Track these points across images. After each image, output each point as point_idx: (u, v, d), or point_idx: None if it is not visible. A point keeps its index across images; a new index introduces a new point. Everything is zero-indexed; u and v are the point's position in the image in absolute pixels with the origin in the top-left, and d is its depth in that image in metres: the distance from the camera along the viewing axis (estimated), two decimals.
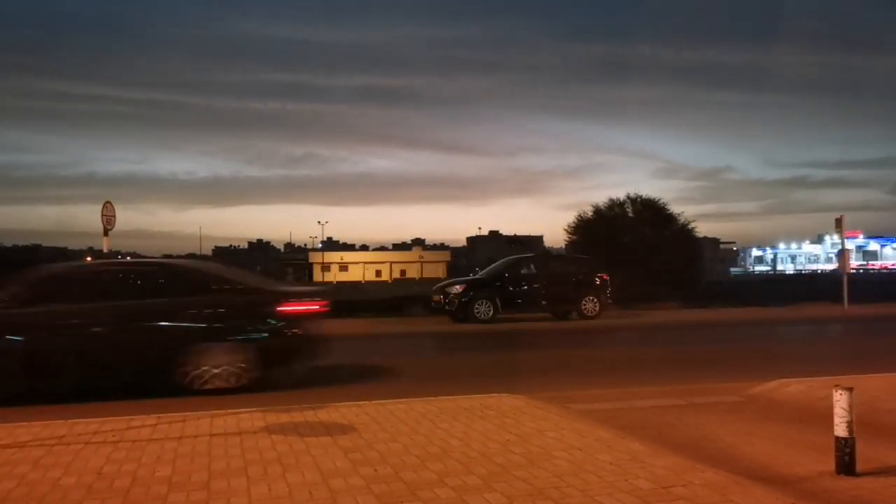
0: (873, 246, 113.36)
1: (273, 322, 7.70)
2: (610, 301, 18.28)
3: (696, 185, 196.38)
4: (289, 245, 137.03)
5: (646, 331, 15.69)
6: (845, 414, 4.00)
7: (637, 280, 22.22)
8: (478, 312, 16.53)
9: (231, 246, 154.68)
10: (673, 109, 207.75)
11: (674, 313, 19.36)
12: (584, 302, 17.42)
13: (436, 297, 17.41)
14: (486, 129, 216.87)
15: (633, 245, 24.61)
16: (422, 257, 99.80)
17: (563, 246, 28.52)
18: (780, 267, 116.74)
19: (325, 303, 8.15)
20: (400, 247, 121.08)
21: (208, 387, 7.18)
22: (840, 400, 4.03)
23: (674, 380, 7.80)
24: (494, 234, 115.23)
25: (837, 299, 19.51)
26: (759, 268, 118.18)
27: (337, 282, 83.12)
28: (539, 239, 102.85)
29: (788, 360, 10.11)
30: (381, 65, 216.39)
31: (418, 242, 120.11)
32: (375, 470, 4.02)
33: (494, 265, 19.78)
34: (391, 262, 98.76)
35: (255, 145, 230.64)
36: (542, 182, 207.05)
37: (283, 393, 7.16)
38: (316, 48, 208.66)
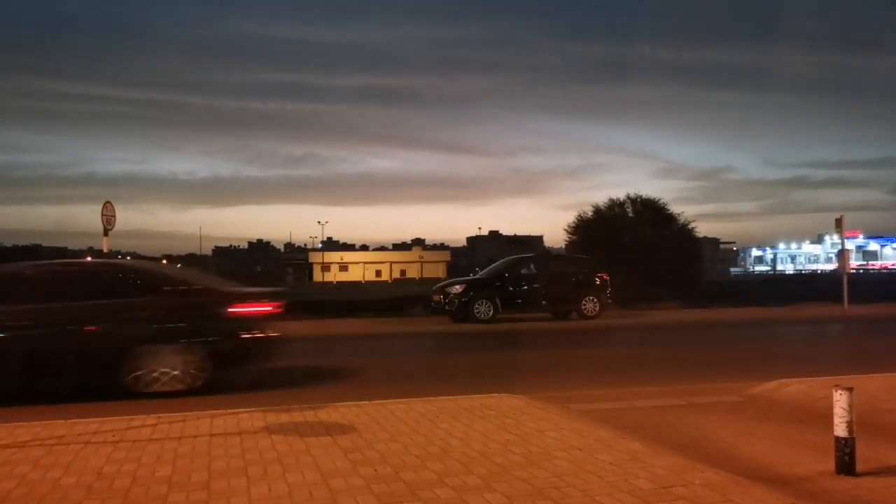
0: (873, 246, 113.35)
1: (224, 323, 7.54)
2: (610, 301, 18.28)
3: (696, 185, 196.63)
4: (289, 245, 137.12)
5: (646, 331, 15.70)
6: (845, 414, 4.00)
7: (637, 280, 22.23)
8: (478, 312, 16.53)
9: (231, 246, 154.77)
10: (673, 109, 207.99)
11: (674, 313, 19.36)
12: (584, 302, 17.43)
13: (436, 297, 17.42)
14: (486, 129, 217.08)
15: (633, 245, 24.62)
16: (422, 257, 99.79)
17: (563, 246, 28.54)
18: (780, 267, 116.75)
19: (280, 304, 8.00)
20: (400, 247, 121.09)
21: (157, 389, 7.06)
22: (840, 400, 4.03)
23: (674, 380, 7.80)
24: (494, 234, 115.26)
25: (837, 299, 19.51)
26: (759, 268, 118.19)
27: (337, 282, 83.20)
28: (539, 239, 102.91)
29: (788, 360, 10.11)
30: (381, 65, 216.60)
31: (418, 242, 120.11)
32: (375, 470, 4.02)
33: (494, 265, 19.78)
34: (391, 262, 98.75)
35: (255, 145, 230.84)
36: (542, 182, 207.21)
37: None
38: (316, 48, 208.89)
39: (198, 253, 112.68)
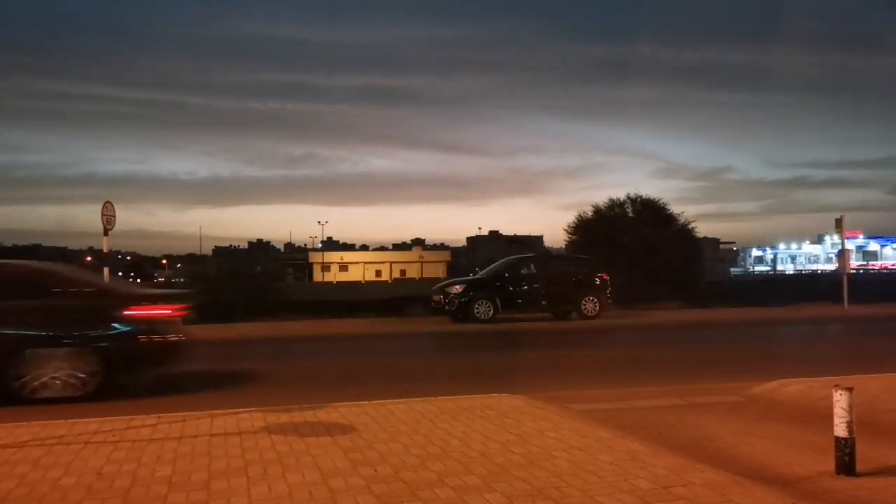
0: (873, 246, 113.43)
1: (120, 327, 7.25)
2: (610, 301, 18.28)
3: (696, 186, 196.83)
4: (289, 245, 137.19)
5: (646, 331, 15.70)
6: (845, 414, 4.00)
7: (637, 280, 22.22)
8: (478, 312, 16.53)
9: (231, 246, 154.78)
10: (673, 109, 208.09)
11: (674, 313, 19.36)
12: (584, 302, 17.42)
13: (436, 297, 17.42)
14: (486, 129, 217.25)
15: (633, 245, 24.61)
16: (422, 257, 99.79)
17: (563, 246, 28.52)
18: (780, 267, 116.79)
19: (183, 306, 7.77)
20: (400, 247, 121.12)
21: (45, 395, 6.81)
22: (840, 400, 4.03)
23: (674, 380, 7.80)
24: (494, 234, 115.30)
25: (837, 299, 19.51)
26: (759, 268, 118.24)
27: (337, 282, 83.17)
28: (539, 239, 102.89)
29: (788, 360, 10.11)
30: (381, 65, 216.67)
31: (418, 242, 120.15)
32: (375, 470, 4.02)
33: (494, 265, 19.78)
34: (391, 262, 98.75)
35: (255, 145, 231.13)
36: (542, 182, 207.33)
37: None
38: (316, 48, 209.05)
39: (198, 253, 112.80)
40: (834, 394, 4.08)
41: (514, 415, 5.50)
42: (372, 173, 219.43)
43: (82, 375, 6.96)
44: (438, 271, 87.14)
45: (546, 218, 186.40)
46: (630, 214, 26.46)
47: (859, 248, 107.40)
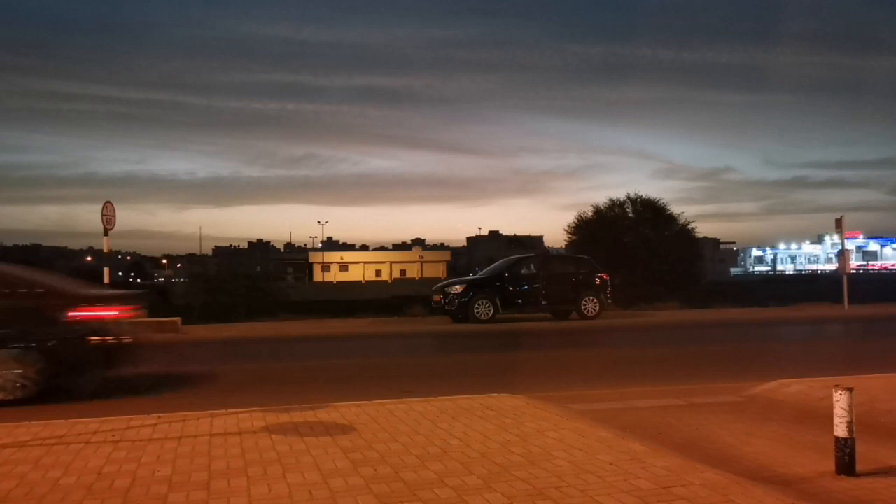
0: (873, 246, 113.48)
1: (64, 328, 7.05)
2: (610, 301, 18.29)
3: (697, 186, 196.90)
4: (289, 245, 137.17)
5: (645, 331, 15.69)
6: (845, 414, 4.00)
7: (637, 280, 22.25)
8: (478, 312, 16.54)
9: (231, 246, 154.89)
10: (673, 109, 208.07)
11: (674, 313, 19.36)
12: (583, 302, 17.43)
13: (436, 297, 17.42)
14: (486, 129, 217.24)
15: (633, 245, 24.64)
16: (422, 257, 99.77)
17: (563, 246, 28.53)
18: (780, 267, 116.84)
19: (131, 308, 7.64)
20: (400, 247, 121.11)
21: None
22: (840, 400, 4.03)
23: (674, 380, 7.81)
24: (494, 235, 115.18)
25: (837, 299, 19.52)
26: (759, 268, 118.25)
27: (337, 282, 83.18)
28: (539, 239, 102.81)
29: (788, 360, 10.11)
30: (381, 65, 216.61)
31: (418, 242, 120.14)
32: (375, 470, 4.02)
33: (494, 265, 19.79)
34: (391, 262, 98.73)
35: (255, 145, 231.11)
36: (542, 182, 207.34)
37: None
38: (316, 48, 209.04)
39: (198, 253, 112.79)
40: (834, 394, 4.08)
41: (514, 415, 5.50)
42: (372, 173, 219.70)
43: (21, 378, 6.77)
44: (438, 271, 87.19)
45: (546, 218, 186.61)
46: (630, 215, 26.47)
47: (859, 248, 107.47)
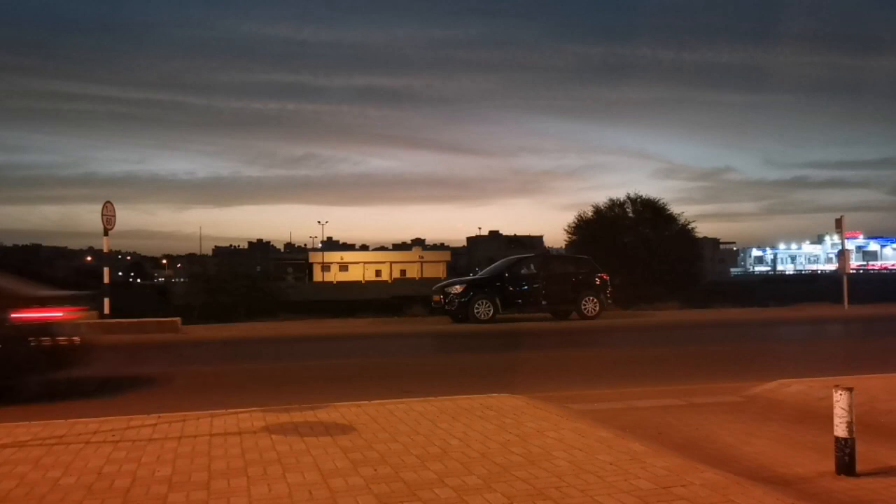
0: (873, 246, 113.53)
1: (7, 329, 6.88)
2: (610, 301, 18.29)
3: (697, 186, 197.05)
4: (289, 245, 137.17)
5: (645, 331, 15.69)
6: (845, 414, 4.00)
7: (637, 280, 22.27)
8: (478, 312, 16.54)
9: (231, 246, 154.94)
10: (673, 109, 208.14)
11: (674, 313, 19.36)
12: (583, 302, 17.43)
13: (436, 297, 17.43)
14: (486, 129, 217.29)
15: (633, 245, 24.66)
16: (422, 257, 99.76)
17: (563, 246, 28.54)
18: (780, 267, 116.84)
19: (78, 309, 7.51)
20: (400, 247, 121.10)
21: None
22: (840, 400, 4.03)
23: (674, 380, 7.81)
24: (494, 234, 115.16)
25: (837, 299, 19.53)
26: (759, 268, 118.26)
27: (337, 281, 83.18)
28: (539, 239, 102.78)
29: (788, 360, 10.12)
30: (381, 65, 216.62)
31: (418, 242, 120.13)
32: (375, 470, 4.02)
33: (494, 265, 19.80)
34: (391, 262, 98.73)
35: (255, 145, 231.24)
36: (542, 182, 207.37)
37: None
38: (316, 48, 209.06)
39: (198, 253, 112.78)
40: (834, 394, 4.08)
41: (514, 415, 5.50)
42: (372, 173, 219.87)
43: None
44: (438, 271, 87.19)
45: (546, 218, 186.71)
46: (630, 215, 26.49)
47: (859, 248, 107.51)
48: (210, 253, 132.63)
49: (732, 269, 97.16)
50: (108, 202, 16.21)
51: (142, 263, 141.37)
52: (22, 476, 4.01)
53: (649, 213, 26.12)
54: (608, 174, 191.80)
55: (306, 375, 9.18)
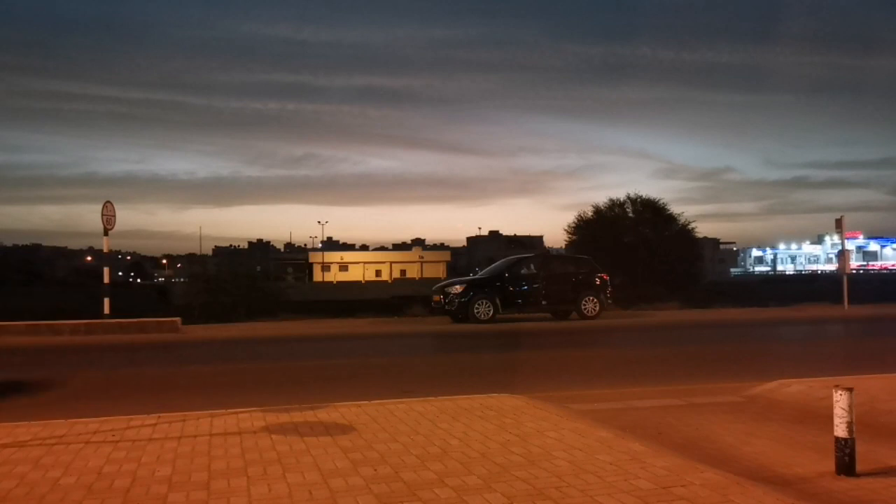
0: (873, 246, 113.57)
1: None
2: (610, 301, 18.30)
3: (697, 186, 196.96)
4: (289, 245, 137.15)
5: (645, 331, 15.70)
6: (845, 414, 4.00)
7: (637, 280, 22.29)
8: (478, 312, 16.54)
9: (231, 246, 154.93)
10: (673, 109, 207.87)
11: (674, 313, 19.37)
12: (584, 302, 17.44)
13: (436, 297, 17.43)
14: (486, 129, 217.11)
15: (633, 245, 24.70)
16: (422, 257, 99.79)
17: (563, 246, 28.56)
18: (780, 267, 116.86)
19: None
20: (400, 247, 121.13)
21: None
22: (840, 400, 4.03)
23: (673, 380, 7.81)
24: (494, 234, 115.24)
25: (837, 300, 19.54)
26: (759, 268, 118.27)
27: (337, 281, 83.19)
28: (539, 239, 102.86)
29: (788, 360, 10.12)
30: (381, 65, 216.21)
31: (418, 242, 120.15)
32: (375, 470, 4.02)
33: (494, 265, 19.81)
34: (391, 262, 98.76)
35: (255, 145, 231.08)
36: (542, 182, 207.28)
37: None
38: (316, 48, 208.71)
39: (198, 253, 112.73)
40: (834, 394, 4.08)
41: (513, 415, 5.50)
42: (372, 173, 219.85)
43: None
44: (438, 271, 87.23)
45: (546, 218, 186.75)
46: (630, 215, 26.54)
47: (859, 248, 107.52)
48: (210, 253, 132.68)
49: (732, 270, 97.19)
50: (108, 202, 16.20)
51: (142, 263, 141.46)
52: (22, 476, 4.01)
53: (649, 213, 26.16)
54: (608, 174, 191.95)
55: (306, 375, 9.18)
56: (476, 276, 20.57)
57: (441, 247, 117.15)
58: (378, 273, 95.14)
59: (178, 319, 15.81)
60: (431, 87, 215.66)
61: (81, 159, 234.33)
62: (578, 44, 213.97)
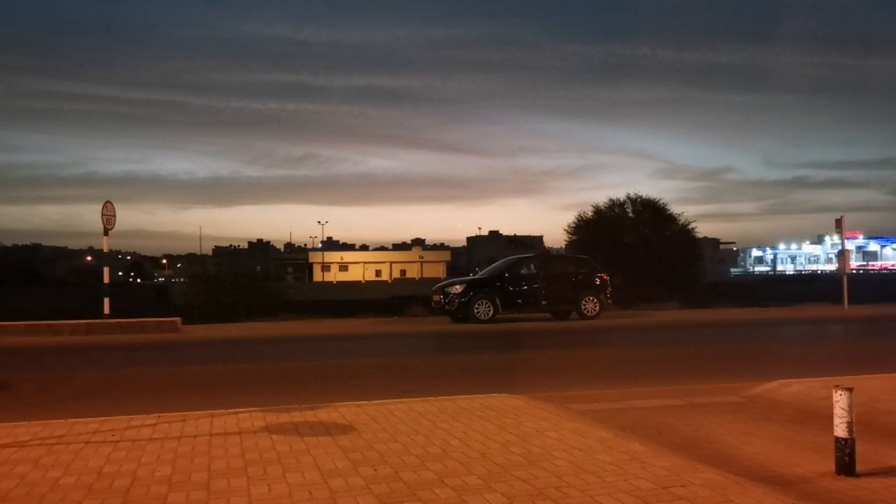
0: (873, 246, 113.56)
1: None
2: (610, 301, 18.30)
3: (697, 186, 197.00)
4: (289, 245, 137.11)
5: (645, 331, 15.70)
6: (845, 414, 4.00)
7: (637, 280, 22.28)
8: (478, 312, 16.54)
9: (231, 246, 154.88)
10: (673, 109, 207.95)
11: (674, 313, 19.36)
12: (584, 302, 17.43)
13: (436, 297, 17.43)
14: (486, 129, 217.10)
15: (633, 245, 24.70)
16: (422, 257, 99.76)
17: (563, 246, 28.57)
18: (780, 267, 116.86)
19: None
20: (400, 247, 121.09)
21: None
22: (840, 400, 4.03)
23: (673, 380, 7.80)
24: (494, 235, 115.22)
25: (837, 300, 19.54)
26: (759, 268, 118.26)
27: (337, 281, 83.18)
28: (539, 239, 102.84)
29: (788, 360, 10.12)
30: (381, 65, 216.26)
31: (418, 242, 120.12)
32: (375, 470, 4.02)
33: (494, 265, 19.81)
34: (391, 262, 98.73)
35: (255, 145, 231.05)
36: (542, 182, 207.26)
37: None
38: (316, 48, 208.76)
39: (198, 253, 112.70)
40: (834, 394, 4.08)
41: (514, 415, 5.50)
42: (372, 173, 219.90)
43: None
44: (438, 271, 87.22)
45: (546, 218, 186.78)
46: (630, 215, 26.55)
47: (859, 248, 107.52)
48: (210, 253, 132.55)
49: (732, 270, 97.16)
50: (108, 202, 16.20)
51: (142, 263, 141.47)
52: (22, 476, 4.01)
53: (649, 213, 26.17)
54: (608, 174, 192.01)
55: (306, 375, 9.18)
56: (476, 276, 20.57)
57: (441, 247, 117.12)
58: (378, 273, 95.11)
59: (178, 319, 15.81)
60: (431, 87, 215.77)
61: (81, 159, 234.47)
62: (578, 44, 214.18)
